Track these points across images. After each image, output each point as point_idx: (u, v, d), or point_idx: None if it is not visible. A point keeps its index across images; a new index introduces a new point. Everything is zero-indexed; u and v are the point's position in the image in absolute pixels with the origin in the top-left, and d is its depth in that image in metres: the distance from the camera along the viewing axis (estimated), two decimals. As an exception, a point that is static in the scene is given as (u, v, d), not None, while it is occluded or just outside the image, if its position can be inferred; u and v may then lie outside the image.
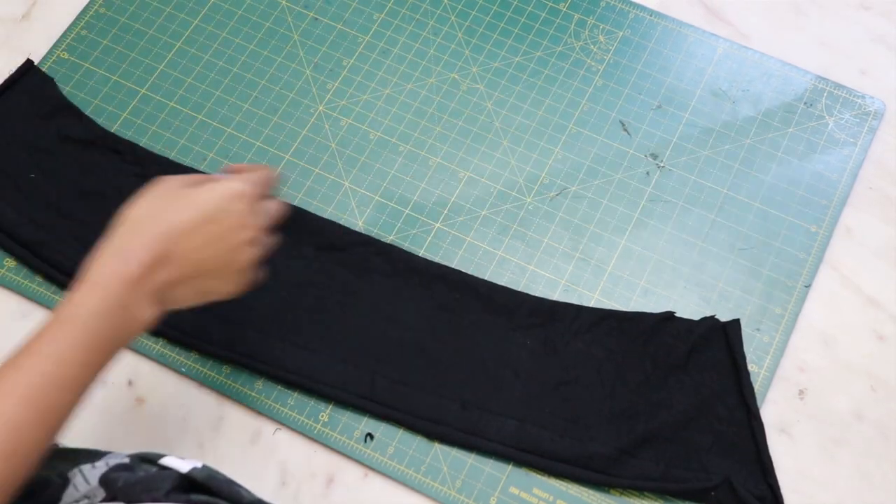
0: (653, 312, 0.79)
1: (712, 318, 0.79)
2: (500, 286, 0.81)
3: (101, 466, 0.61)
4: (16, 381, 0.54)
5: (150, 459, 0.62)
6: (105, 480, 0.60)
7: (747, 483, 0.73)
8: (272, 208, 0.69)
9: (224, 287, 0.65)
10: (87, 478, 0.60)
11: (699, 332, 0.78)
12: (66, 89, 0.89)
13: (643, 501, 0.74)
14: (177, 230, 0.61)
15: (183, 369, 0.78)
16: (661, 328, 0.79)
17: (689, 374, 0.77)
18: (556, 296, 0.81)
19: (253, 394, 0.78)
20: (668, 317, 0.79)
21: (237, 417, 0.77)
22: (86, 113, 0.88)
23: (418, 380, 0.77)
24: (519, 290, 0.81)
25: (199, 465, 0.62)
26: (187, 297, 0.64)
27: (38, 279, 0.82)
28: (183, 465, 0.61)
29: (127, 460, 0.62)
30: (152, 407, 0.77)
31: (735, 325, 0.78)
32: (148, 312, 0.60)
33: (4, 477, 0.53)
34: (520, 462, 0.75)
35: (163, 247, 0.60)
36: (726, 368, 0.77)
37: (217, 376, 0.78)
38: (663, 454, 0.74)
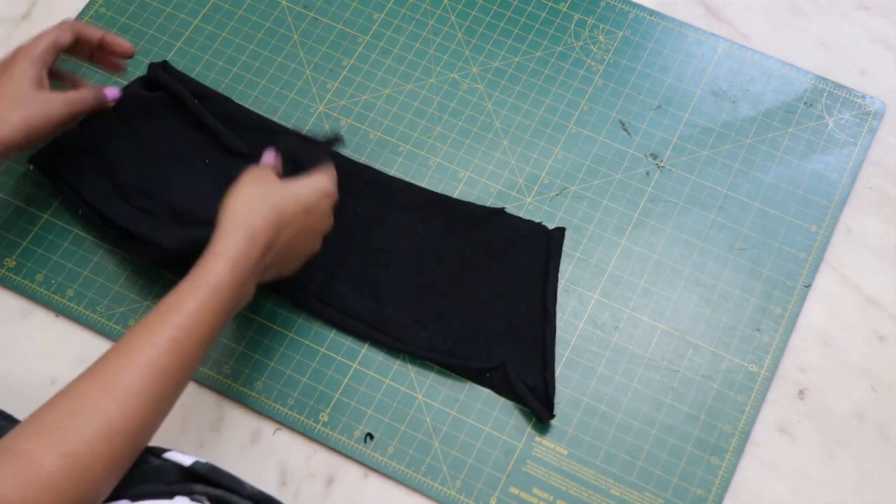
0: (484, 206, 0.83)
1: (540, 223, 0.83)
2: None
3: None
4: (160, 332, 0.62)
5: (154, 453, 0.64)
6: None
7: (524, 373, 0.77)
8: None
9: (289, 269, 0.74)
10: None
11: (523, 231, 0.82)
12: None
13: (643, 501, 0.74)
14: (285, 219, 0.70)
15: (183, 369, 0.78)
16: (489, 220, 0.83)
17: (502, 266, 0.81)
18: (556, 296, 0.81)
19: (253, 394, 0.78)
20: (498, 211, 0.83)
21: (237, 417, 0.77)
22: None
23: None
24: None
25: (201, 459, 0.64)
26: (272, 276, 0.72)
27: (39, 279, 0.82)
28: (186, 459, 0.64)
29: None
30: (152, 407, 0.77)
31: (559, 232, 0.82)
32: (254, 288, 0.69)
33: (155, 414, 0.61)
34: (322, 317, 0.79)
35: (275, 233, 0.69)
36: (538, 270, 0.81)
37: (217, 376, 0.78)
38: (453, 332, 0.79)
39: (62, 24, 0.80)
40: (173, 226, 0.79)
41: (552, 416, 0.76)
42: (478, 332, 0.79)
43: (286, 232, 0.70)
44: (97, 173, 0.82)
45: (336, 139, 0.81)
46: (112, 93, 0.82)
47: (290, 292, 0.80)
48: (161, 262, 0.80)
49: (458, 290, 0.80)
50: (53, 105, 0.76)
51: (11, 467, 0.53)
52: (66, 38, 0.79)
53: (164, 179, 0.82)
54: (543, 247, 0.82)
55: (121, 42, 0.82)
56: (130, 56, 0.83)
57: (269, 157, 0.77)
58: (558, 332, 0.80)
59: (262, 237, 0.68)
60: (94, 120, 0.82)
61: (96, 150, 0.83)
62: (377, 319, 0.79)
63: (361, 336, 0.79)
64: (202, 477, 0.63)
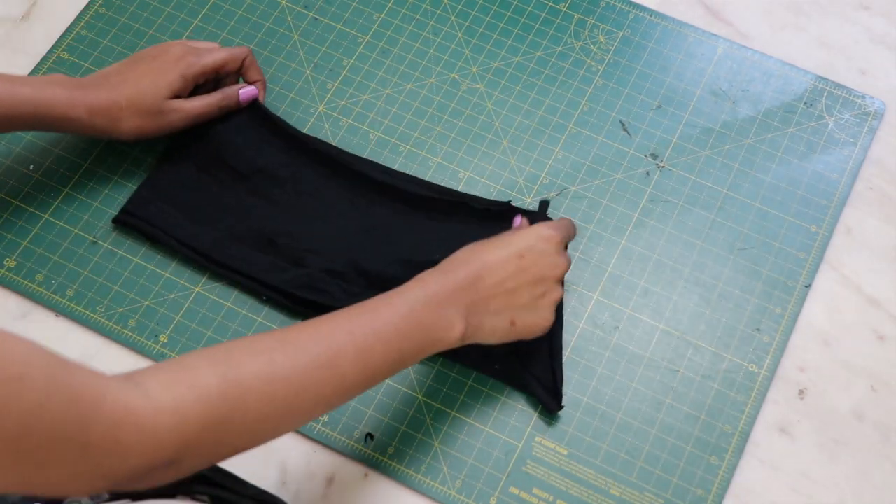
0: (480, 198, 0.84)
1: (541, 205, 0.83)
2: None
3: None
4: (352, 324, 0.63)
5: None
6: None
7: (531, 364, 0.77)
8: (573, 232, 0.78)
9: (532, 321, 0.72)
10: None
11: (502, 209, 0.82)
12: (66, 89, 0.89)
13: (643, 501, 0.74)
14: (491, 261, 0.70)
15: (183, 369, 0.78)
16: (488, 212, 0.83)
17: None
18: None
19: (253, 394, 0.78)
20: (504, 207, 0.83)
21: (237, 417, 0.77)
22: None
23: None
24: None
25: None
26: (498, 327, 0.70)
27: (39, 279, 0.82)
28: None
29: None
30: (152, 407, 0.77)
31: (543, 206, 0.82)
32: (458, 324, 0.68)
33: (318, 389, 0.61)
34: (301, 313, 0.80)
35: (478, 271, 0.69)
36: None
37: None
38: None
39: (242, 51, 0.86)
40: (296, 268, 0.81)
41: (561, 407, 0.76)
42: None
43: (494, 273, 0.70)
44: (203, 220, 0.83)
45: (546, 203, 0.83)
46: (246, 94, 0.85)
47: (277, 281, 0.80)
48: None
49: None
50: (173, 117, 0.81)
51: (173, 374, 0.55)
52: (233, 66, 0.85)
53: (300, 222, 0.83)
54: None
55: (253, 93, 0.86)
56: (248, 101, 0.86)
57: (517, 220, 0.78)
58: (558, 332, 0.80)
59: (457, 272, 0.69)
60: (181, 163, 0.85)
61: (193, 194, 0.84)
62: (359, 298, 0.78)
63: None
64: (204, 477, 0.63)
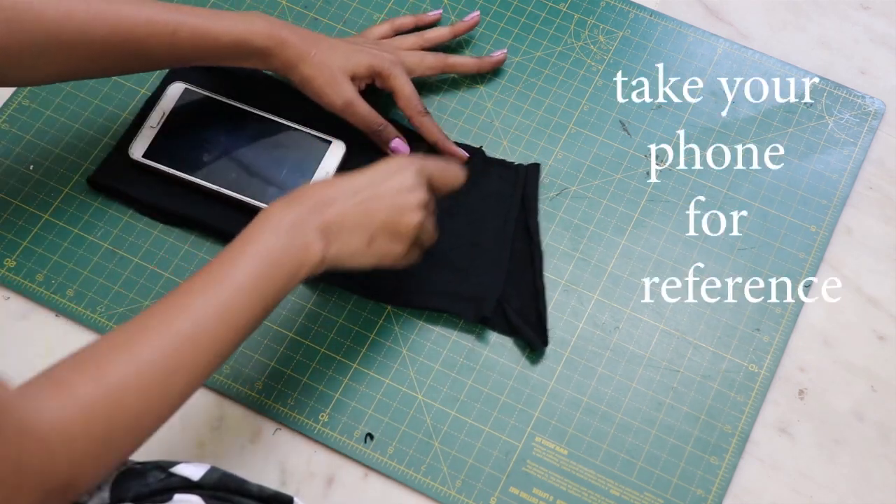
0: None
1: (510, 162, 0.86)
2: None
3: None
4: (192, 303, 0.61)
5: (162, 466, 0.63)
6: (116, 489, 0.61)
7: (517, 305, 0.79)
8: (450, 176, 0.75)
9: (395, 249, 0.70)
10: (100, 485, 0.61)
11: (495, 166, 0.86)
12: (64, 93, 0.89)
13: (643, 501, 0.74)
14: (342, 183, 0.68)
15: (183, 369, 0.78)
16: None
17: (481, 202, 0.84)
18: (557, 296, 0.81)
19: (253, 394, 0.78)
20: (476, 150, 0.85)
21: (237, 417, 0.77)
22: (85, 114, 0.88)
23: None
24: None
25: (208, 468, 0.63)
26: (358, 252, 0.68)
27: (39, 279, 0.82)
28: (195, 473, 0.63)
29: (139, 466, 0.62)
30: (152, 407, 0.77)
31: (534, 167, 0.85)
32: (315, 244, 0.65)
33: (180, 390, 0.60)
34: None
35: (327, 193, 0.67)
36: (515, 202, 0.83)
37: (217, 376, 0.78)
38: (445, 273, 0.81)
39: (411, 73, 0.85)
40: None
41: (546, 345, 0.78)
42: (468, 270, 0.81)
43: (345, 193, 0.68)
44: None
45: (537, 165, 0.86)
46: (396, 146, 0.84)
47: None
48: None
49: (442, 231, 0.80)
50: (338, 94, 0.81)
51: (49, 391, 0.54)
52: (403, 86, 0.83)
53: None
54: (514, 179, 0.84)
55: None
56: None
57: (395, 143, 0.80)
58: (558, 332, 0.80)
59: (304, 197, 0.66)
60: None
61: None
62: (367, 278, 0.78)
63: (348, 289, 0.81)
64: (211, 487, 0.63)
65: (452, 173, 0.75)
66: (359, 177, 0.69)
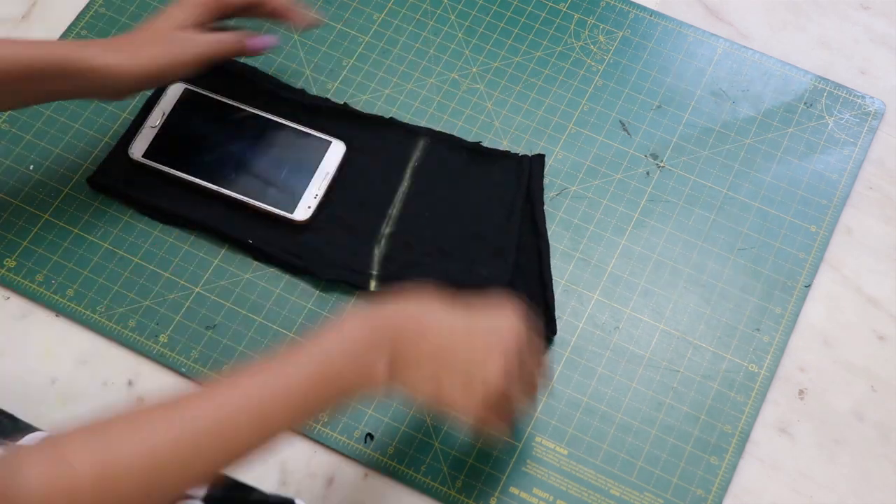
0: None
1: (513, 153, 0.86)
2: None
3: None
4: (247, 383, 0.59)
5: None
6: None
7: (526, 295, 0.78)
8: (540, 365, 0.70)
9: (459, 395, 0.63)
10: None
11: (498, 157, 0.86)
12: (66, 89, 0.89)
13: (643, 501, 0.74)
14: (433, 316, 0.64)
15: (183, 369, 0.78)
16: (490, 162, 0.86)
17: (485, 193, 0.84)
18: (557, 296, 0.81)
19: (253, 394, 0.78)
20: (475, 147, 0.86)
21: (237, 417, 0.77)
22: (85, 114, 0.88)
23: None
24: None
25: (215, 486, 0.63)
26: (420, 383, 0.63)
27: (39, 279, 0.82)
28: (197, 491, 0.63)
29: None
30: (152, 407, 0.77)
31: (539, 157, 0.86)
32: (381, 369, 0.61)
33: (186, 482, 0.57)
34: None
35: (415, 321, 0.63)
36: (520, 194, 0.83)
37: (217, 376, 0.78)
38: (454, 265, 0.81)
39: None
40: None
41: (554, 333, 0.79)
42: (472, 262, 0.81)
43: (432, 327, 0.63)
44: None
45: (542, 157, 0.87)
46: (261, 42, 0.82)
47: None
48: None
49: (447, 224, 0.81)
50: (186, 46, 0.77)
51: (48, 464, 0.52)
52: (263, 11, 0.82)
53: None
54: (518, 170, 0.85)
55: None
56: (311, 25, 0.84)
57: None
58: (558, 332, 0.80)
59: (386, 315, 0.63)
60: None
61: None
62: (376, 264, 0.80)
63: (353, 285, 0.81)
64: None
65: (543, 362, 0.71)
66: (462, 317, 0.64)
